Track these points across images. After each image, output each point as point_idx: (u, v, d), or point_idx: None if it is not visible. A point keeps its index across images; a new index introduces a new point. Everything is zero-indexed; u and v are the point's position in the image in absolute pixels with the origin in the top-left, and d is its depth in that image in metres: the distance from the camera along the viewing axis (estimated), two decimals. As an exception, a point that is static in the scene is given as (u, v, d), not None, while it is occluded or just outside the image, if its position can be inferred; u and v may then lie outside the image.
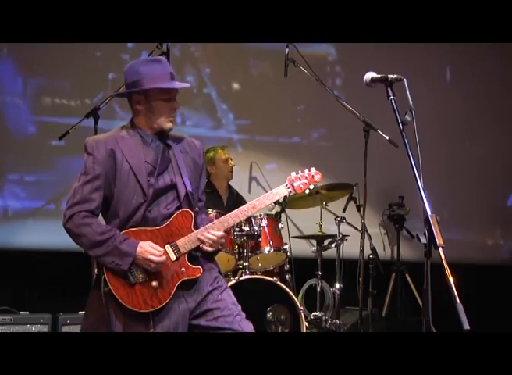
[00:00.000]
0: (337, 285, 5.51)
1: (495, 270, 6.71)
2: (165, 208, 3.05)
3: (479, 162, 6.98)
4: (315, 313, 5.52)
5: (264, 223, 4.97)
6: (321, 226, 5.68)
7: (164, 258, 2.98)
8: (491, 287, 6.42)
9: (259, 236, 4.93)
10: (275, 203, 3.22)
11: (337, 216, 5.55)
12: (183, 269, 3.02)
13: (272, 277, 4.88)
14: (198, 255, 3.11)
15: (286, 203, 5.21)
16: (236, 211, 3.16)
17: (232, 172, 5.64)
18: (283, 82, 5.40)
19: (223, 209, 4.91)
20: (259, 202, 3.17)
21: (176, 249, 3.03)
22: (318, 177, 3.31)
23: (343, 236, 5.54)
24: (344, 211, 5.65)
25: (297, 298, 5.12)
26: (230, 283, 4.54)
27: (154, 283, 2.98)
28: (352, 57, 6.57)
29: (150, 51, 4.82)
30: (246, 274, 4.87)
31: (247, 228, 4.91)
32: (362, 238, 5.03)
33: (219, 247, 3.11)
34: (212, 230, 3.05)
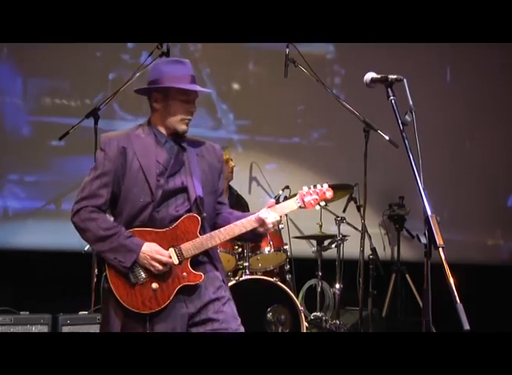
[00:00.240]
0: (337, 285, 5.52)
1: (495, 271, 6.71)
2: (174, 210, 3.03)
3: (479, 162, 6.97)
4: (315, 313, 5.53)
5: (264, 223, 4.96)
6: (321, 226, 5.68)
7: (171, 260, 2.98)
8: (491, 288, 6.41)
9: (259, 236, 4.92)
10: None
11: (337, 217, 5.56)
12: (184, 273, 3.01)
13: (272, 277, 4.88)
14: (205, 261, 3.10)
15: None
16: (244, 221, 3.07)
17: (232, 173, 5.64)
18: (283, 82, 5.40)
19: (223, 210, 4.90)
20: (269, 215, 3.06)
21: (179, 253, 3.01)
22: (329, 194, 3.23)
23: (343, 236, 5.54)
24: (344, 211, 5.66)
25: (297, 298, 5.12)
26: (230, 284, 4.54)
27: (154, 286, 2.97)
28: (352, 57, 6.57)
29: (150, 51, 4.83)
30: (246, 274, 4.87)
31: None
32: (362, 238, 5.02)
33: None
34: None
